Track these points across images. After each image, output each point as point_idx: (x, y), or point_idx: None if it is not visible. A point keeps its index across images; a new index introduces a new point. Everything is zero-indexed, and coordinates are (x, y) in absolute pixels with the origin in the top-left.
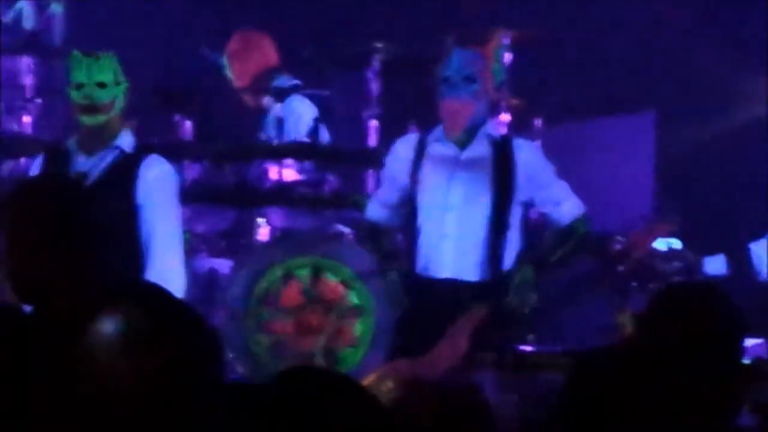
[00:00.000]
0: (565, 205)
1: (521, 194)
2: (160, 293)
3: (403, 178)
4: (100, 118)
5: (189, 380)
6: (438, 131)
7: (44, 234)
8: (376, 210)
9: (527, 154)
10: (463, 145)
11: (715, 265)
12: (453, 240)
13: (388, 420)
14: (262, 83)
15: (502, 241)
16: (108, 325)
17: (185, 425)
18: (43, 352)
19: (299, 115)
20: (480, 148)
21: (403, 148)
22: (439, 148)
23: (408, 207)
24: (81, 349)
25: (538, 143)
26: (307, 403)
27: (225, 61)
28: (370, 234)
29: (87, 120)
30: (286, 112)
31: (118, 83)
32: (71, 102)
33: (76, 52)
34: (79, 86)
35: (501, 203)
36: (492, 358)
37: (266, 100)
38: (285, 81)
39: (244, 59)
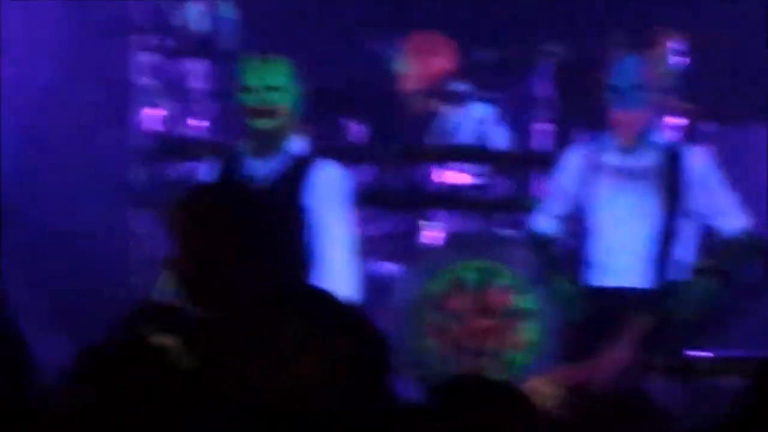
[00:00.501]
0: (731, 217)
1: (690, 203)
2: (331, 298)
3: (572, 189)
4: (271, 123)
5: (362, 380)
6: (606, 140)
7: (223, 237)
8: (544, 221)
9: (697, 162)
10: (632, 154)
11: None
12: (621, 250)
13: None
14: (438, 87)
15: (670, 250)
16: (287, 329)
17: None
18: (219, 355)
19: (471, 119)
20: (649, 157)
21: (572, 158)
22: (607, 157)
23: (576, 217)
24: (263, 351)
25: (708, 150)
26: (471, 415)
27: (398, 59)
28: (538, 244)
29: (257, 124)
30: (458, 116)
31: (290, 87)
32: (242, 106)
33: (247, 56)
34: (250, 90)
35: (669, 212)
36: (662, 364)
37: (438, 104)
38: (459, 85)
39: (425, 61)
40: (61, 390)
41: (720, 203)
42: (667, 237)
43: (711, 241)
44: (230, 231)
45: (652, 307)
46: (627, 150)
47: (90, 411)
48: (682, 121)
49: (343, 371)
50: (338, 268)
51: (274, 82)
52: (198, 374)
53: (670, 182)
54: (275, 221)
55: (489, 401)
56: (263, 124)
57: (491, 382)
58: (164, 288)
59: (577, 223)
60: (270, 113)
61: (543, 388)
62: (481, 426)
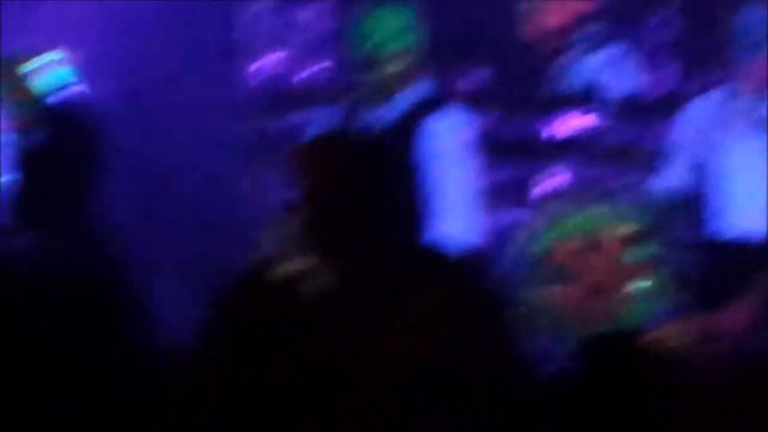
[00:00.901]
0: None
1: None
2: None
3: (701, 137)
4: (391, 69)
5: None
6: (734, 88)
7: (349, 184)
8: (674, 174)
9: None
10: (760, 101)
11: None
12: (750, 198)
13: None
14: (572, 29)
15: None
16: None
17: None
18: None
19: (599, 67)
20: None
21: (700, 105)
22: (737, 105)
23: (705, 165)
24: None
25: None
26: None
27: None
28: (669, 200)
29: (377, 72)
30: (587, 63)
31: (411, 32)
32: (361, 53)
33: (367, 3)
34: (369, 36)
35: None
36: None
37: (567, 48)
38: (596, 28)
39: (555, 4)
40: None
41: None
42: None
43: None
44: (357, 178)
45: None
46: (756, 98)
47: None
48: None
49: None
50: (461, 216)
51: (393, 27)
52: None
53: None
54: (400, 169)
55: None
56: (383, 71)
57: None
58: (284, 236)
59: (705, 171)
60: (389, 60)
61: (669, 338)
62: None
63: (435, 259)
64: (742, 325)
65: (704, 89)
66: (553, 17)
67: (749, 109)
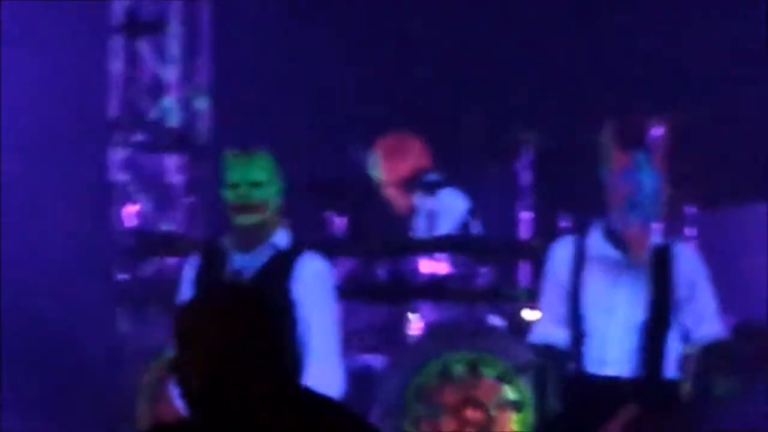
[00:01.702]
0: (708, 326)
1: (682, 297)
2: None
3: (566, 282)
4: (255, 218)
5: None
6: (596, 233)
7: (231, 341)
8: (547, 330)
9: (687, 260)
10: (626, 250)
11: None
12: (616, 342)
13: None
14: (411, 183)
15: (662, 342)
16: None
17: None
18: None
19: (451, 208)
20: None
21: (563, 251)
22: (601, 250)
23: (571, 307)
24: None
25: (695, 248)
26: None
27: (374, 159)
28: (546, 354)
29: (242, 220)
30: (437, 205)
31: (273, 182)
32: (225, 202)
33: (230, 152)
34: (234, 186)
35: (660, 306)
36: None
37: (415, 197)
38: (434, 176)
39: (396, 160)
40: None
41: (702, 308)
42: (659, 329)
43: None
44: (238, 334)
45: (641, 397)
46: (631, 258)
47: None
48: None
49: None
50: (323, 360)
51: (257, 178)
52: None
53: (662, 276)
54: (276, 320)
55: None
56: (248, 219)
57: None
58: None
59: (572, 313)
60: (254, 209)
61: None
62: None
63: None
64: None
65: (565, 233)
66: (396, 172)
67: (614, 253)
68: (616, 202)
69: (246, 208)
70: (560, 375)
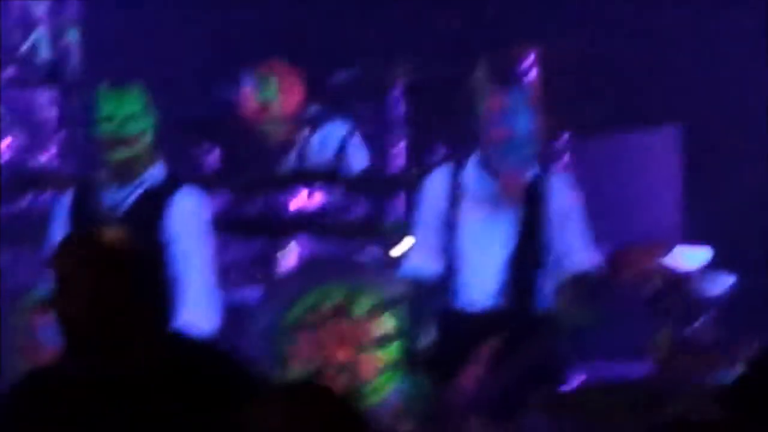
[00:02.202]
0: (581, 255)
1: (554, 226)
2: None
3: (440, 215)
4: (129, 152)
5: None
6: (471, 166)
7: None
8: (419, 262)
9: (561, 189)
10: (500, 188)
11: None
12: (487, 274)
13: None
14: (291, 113)
15: (533, 274)
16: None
17: None
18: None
19: (326, 142)
20: None
21: (437, 183)
22: (475, 184)
23: (444, 240)
24: None
25: (570, 177)
26: None
27: (250, 88)
28: (420, 289)
29: (115, 154)
30: (313, 139)
31: (145, 115)
32: (99, 137)
33: (101, 86)
34: (106, 119)
35: (532, 237)
36: (540, 401)
37: (293, 129)
38: (312, 108)
39: (275, 90)
40: None
41: (574, 240)
42: (531, 260)
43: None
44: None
45: (508, 330)
46: (505, 197)
47: None
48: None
49: None
50: (198, 296)
51: (129, 111)
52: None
53: (533, 210)
54: (149, 256)
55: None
56: (122, 153)
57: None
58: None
59: (445, 246)
60: (127, 142)
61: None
62: None
63: (183, 345)
64: (465, 395)
65: (439, 164)
66: (273, 103)
67: (484, 186)
68: (491, 143)
69: (119, 142)
70: (432, 309)
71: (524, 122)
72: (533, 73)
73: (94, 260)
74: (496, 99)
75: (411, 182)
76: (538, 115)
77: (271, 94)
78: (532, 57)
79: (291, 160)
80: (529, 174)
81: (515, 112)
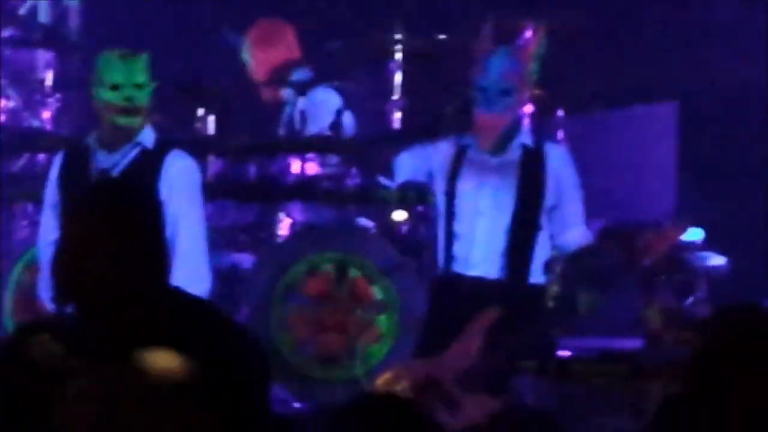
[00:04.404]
0: (574, 233)
1: (550, 199)
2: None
3: (441, 181)
4: (137, 120)
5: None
6: (470, 137)
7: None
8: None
9: (557, 162)
10: (495, 153)
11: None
12: (482, 243)
13: None
14: (282, 75)
15: (529, 245)
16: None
17: None
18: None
19: (322, 107)
20: (511, 156)
21: (442, 150)
22: (471, 154)
23: (443, 210)
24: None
25: (567, 150)
26: None
27: (245, 47)
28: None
29: (124, 121)
30: (308, 104)
31: (149, 84)
32: (103, 103)
33: (110, 52)
34: (116, 87)
35: (528, 208)
36: (534, 366)
37: (285, 93)
38: (304, 74)
39: (267, 49)
40: None
41: (568, 215)
42: (525, 232)
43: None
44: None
45: (504, 300)
46: (491, 149)
47: None
48: (534, 107)
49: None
50: (193, 260)
51: (140, 80)
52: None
53: (529, 179)
54: (151, 216)
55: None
56: (130, 121)
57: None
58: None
59: (444, 216)
60: (137, 111)
61: (390, 384)
62: None
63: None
64: (461, 365)
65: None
66: (266, 63)
67: (483, 155)
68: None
69: (129, 110)
70: (426, 276)
71: (497, 67)
72: (528, 38)
73: (107, 214)
74: (484, 49)
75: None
76: (524, 77)
77: (248, 55)
78: (530, 30)
79: (285, 125)
80: (523, 138)
81: (491, 58)
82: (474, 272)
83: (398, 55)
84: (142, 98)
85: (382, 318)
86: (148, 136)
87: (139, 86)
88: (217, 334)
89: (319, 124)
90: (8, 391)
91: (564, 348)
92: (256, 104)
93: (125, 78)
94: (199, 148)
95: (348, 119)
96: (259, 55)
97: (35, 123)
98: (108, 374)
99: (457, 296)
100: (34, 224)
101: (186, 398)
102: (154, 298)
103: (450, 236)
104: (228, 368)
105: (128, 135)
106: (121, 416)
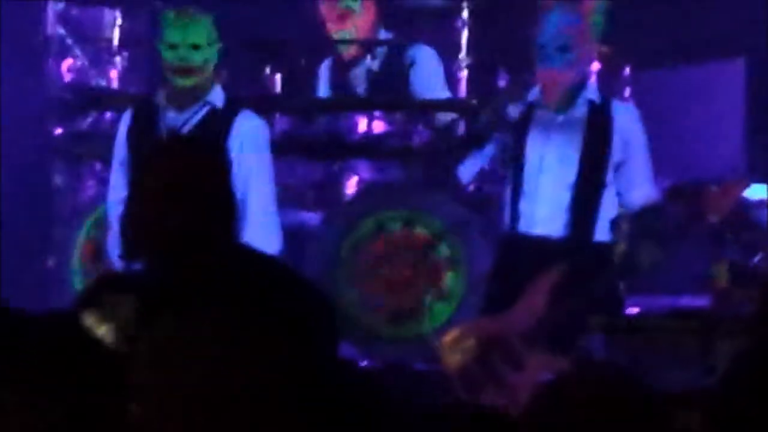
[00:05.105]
0: (641, 191)
1: (617, 157)
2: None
3: (508, 138)
4: (193, 80)
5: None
6: (535, 93)
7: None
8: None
9: (625, 119)
10: (561, 109)
11: None
12: (546, 199)
13: None
14: (360, 35)
15: (594, 203)
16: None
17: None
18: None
19: (396, 66)
20: (577, 112)
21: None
22: (538, 111)
23: (510, 167)
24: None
25: (635, 108)
26: None
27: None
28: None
29: (180, 81)
30: (379, 64)
31: (211, 44)
32: (163, 61)
33: (169, 11)
34: (173, 46)
35: (594, 165)
36: (602, 323)
37: (361, 51)
38: (382, 33)
39: (367, 7)
40: None
41: (635, 174)
42: (590, 189)
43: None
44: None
45: (569, 258)
46: (556, 106)
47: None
48: (600, 64)
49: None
50: (260, 218)
51: (196, 40)
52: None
53: (595, 136)
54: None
55: None
56: (186, 81)
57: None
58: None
59: (512, 172)
60: (193, 71)
61: (458, 341)
62: None
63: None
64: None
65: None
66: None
67: (549, 112)
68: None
69: (184, 70)
70: (492, 234)
71: (556, 22)
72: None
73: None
74: (545, 5)
75: (474, 108)
76: (586, 31)
77: (353, 3)
78: None
79: (357, 82)
80: (588, 93)
81: (551, 13)
82: (539, 229)
83: (464, 13)
84: (198, 59)
85: (450, 275)
86: (217, 96)
87: (196, 47)
88: (287, 290)
89: (393, 83)
90: (91, 349)
91: (632, 306)
92: (328, 62)
93: (181, 37)
94: (266, 106)
95: (426, 78)
96: (336, 13)
97: (102, 82)
98: (188, 322)
99: (523, 255)
100: (103, 183)
101: (262, 347)
102: (226, 251)
103: (516, 193)
104: (297, 323)
105: (196, 94)
106: (205, 363)
